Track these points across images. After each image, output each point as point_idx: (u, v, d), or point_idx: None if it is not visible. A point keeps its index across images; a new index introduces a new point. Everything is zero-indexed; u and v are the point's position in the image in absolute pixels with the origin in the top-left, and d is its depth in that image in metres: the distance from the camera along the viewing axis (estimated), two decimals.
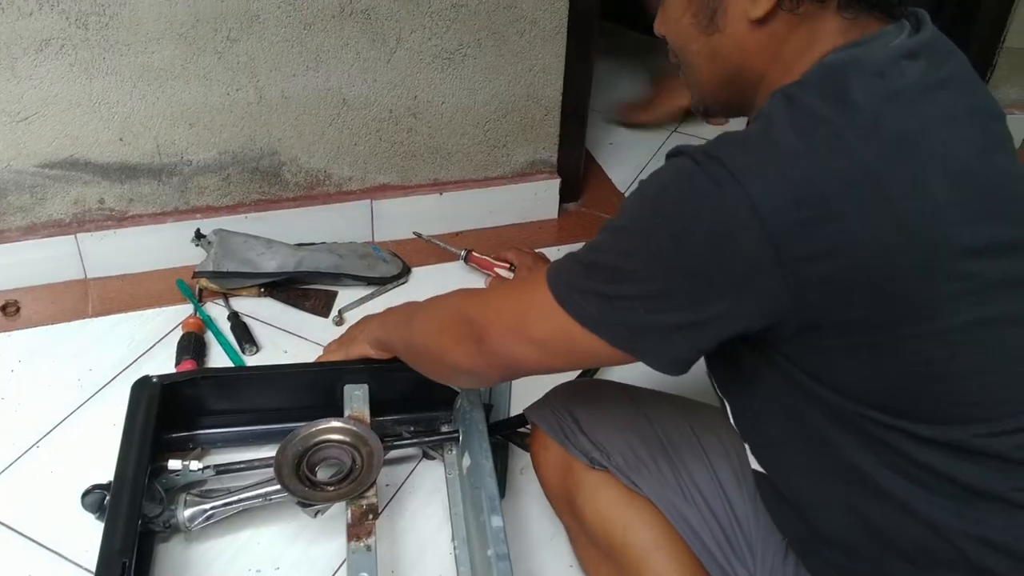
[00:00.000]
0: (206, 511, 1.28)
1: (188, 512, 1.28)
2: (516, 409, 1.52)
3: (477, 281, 1.81)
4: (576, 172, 2.03)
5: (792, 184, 0.74)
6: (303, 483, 1.21)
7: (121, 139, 1.63)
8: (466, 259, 1.83)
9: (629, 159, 2.23)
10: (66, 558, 1.28)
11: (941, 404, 0.79)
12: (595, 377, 1.59)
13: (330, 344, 1.41)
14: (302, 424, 1.26)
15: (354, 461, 1.23)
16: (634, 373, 1.55)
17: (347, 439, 1.26)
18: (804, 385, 0.83)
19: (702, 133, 2.33)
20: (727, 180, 0.75)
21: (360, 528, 1.19)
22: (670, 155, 0.83)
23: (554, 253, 1.90)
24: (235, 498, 1.30)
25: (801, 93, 0.78)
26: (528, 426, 1.48)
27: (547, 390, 1.28)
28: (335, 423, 1.27)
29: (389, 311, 1.31)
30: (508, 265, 1.79)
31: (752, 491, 1.10)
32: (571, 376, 1.52)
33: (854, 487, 0.85)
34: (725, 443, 1.16)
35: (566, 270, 0.88)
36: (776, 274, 0.75)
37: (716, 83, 0.91)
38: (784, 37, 0.83)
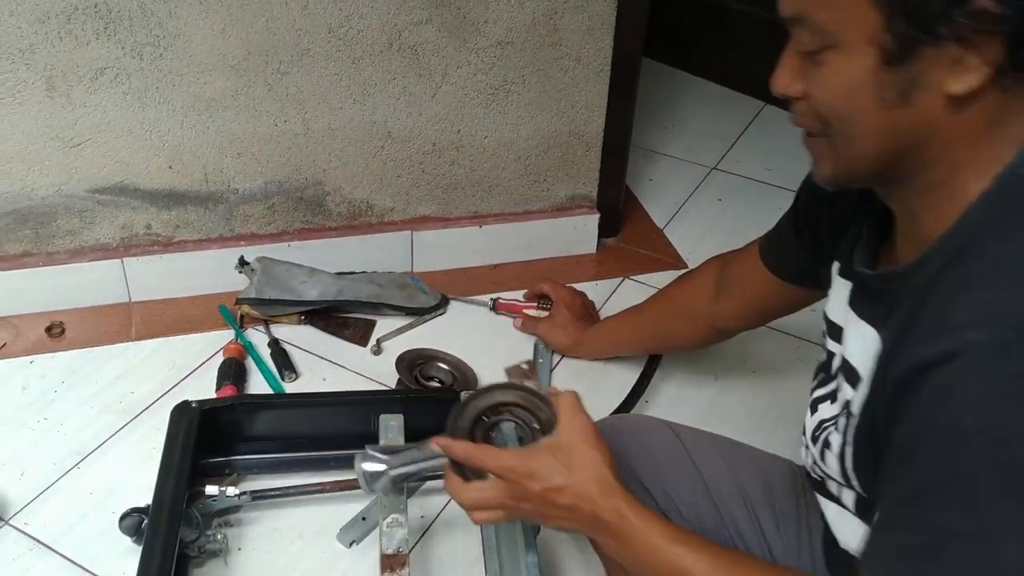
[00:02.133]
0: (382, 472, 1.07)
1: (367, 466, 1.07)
2: None
3: (508, 325, 1.80)
4: (615, 207, 2.03)
5: None
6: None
7: (170, 167, 1.66)
8: (493, 308, 1.83)
9: (668, 195, 2.23)
10: None
11: None
12: (638, 413, 1.59)
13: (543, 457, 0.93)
14: (473, 392, 1.05)
15: (531, 428, 1.01)
16: (683, 403, 1.54)
17: (522, 403, 1.03)
18: None
19: (743, 171, 2.33)
20: None
21: (394, 560, 1.19)
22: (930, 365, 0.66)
23: (592, 288, 1.90)
24: (415, 468, 1.07)
25: None
26: None
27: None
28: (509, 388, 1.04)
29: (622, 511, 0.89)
30: (536, 304, 1.80)
31: (794, 538, 1.09)
32: (613, 406, 1.52)
33: None
34: (765, 484, 1.15)
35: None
36: None
37: (879, 158, 0.77)
38: (987, 115, 0.72)
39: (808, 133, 0.81)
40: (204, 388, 1.59)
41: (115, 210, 1.69)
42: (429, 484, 1.46)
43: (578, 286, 1.90)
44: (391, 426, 1.39)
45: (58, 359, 1.64)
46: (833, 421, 0.89)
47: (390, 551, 1.20)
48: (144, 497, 1.28)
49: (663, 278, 1.94)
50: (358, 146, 1.73)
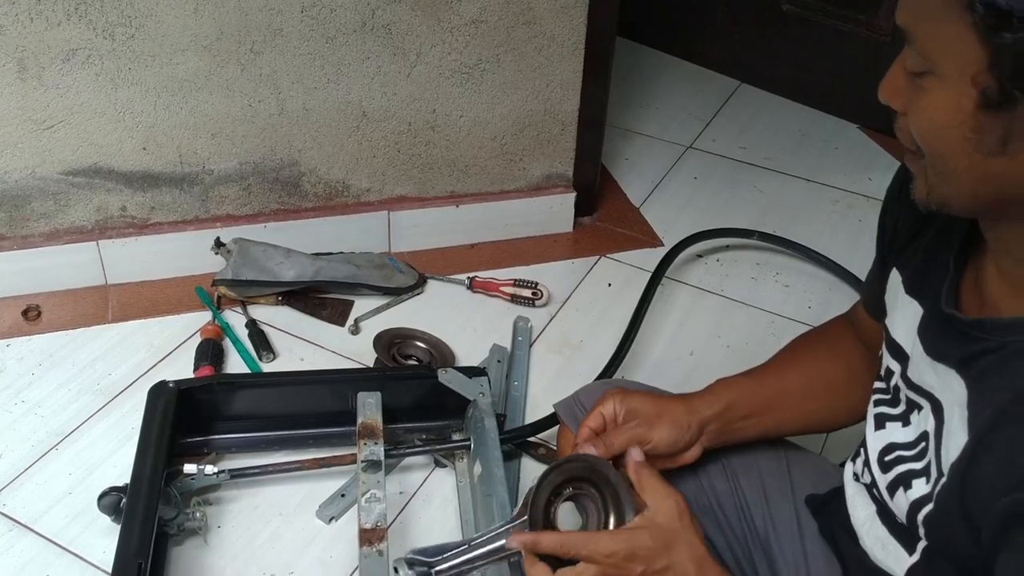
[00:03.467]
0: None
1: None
2: (531, 419, 1.54)
3: (486, 304, 1.81)
4: (591, 187, 2.04)
5: None
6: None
7: (144, 148, 1.66)
8: (470, 286, 1.84)
9: (644, 174, 2.24)
10: (83, 559, 1.30)
11: None
12: (623, 378, 1.59)
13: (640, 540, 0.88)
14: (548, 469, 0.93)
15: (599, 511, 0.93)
16: (660, 378, 1.56)
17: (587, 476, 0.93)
18: None
19: (718, 149, 2.35)
20: None
21: (372, 534, 1.20)
22: None
23: (568, 266, 1.92)
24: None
25: None
26: (543, 437, 1.49)
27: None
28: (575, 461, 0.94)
29: None
30: (513, 282, 1.81)
31: (777, 505, 1.10)
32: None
33: None
34: (750, 460, 1.15)
35: None
36: None
37: (976, 200, 0.73)
38: None
39: (907, 148, 0.75)
40: (182, 369, 1.59)
41: (90, 192, 1.68)
42: (408, 460, 1.47)
43: (555, 265, 1.93)
44: (368, 404, 1.40)
45: (35, 342, 1.64)
46: (913, 456, 0.83)
47: (369, 525, 1.22)
48: (123, 477, 1.29)
49: (640, 256, 1.96)
50: (333, 126, 1.73)
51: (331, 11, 1.59)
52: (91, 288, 1.76)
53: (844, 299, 1.82)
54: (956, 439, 0.75)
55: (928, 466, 0.80)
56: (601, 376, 1.58)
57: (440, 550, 0.95)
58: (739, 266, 1.96)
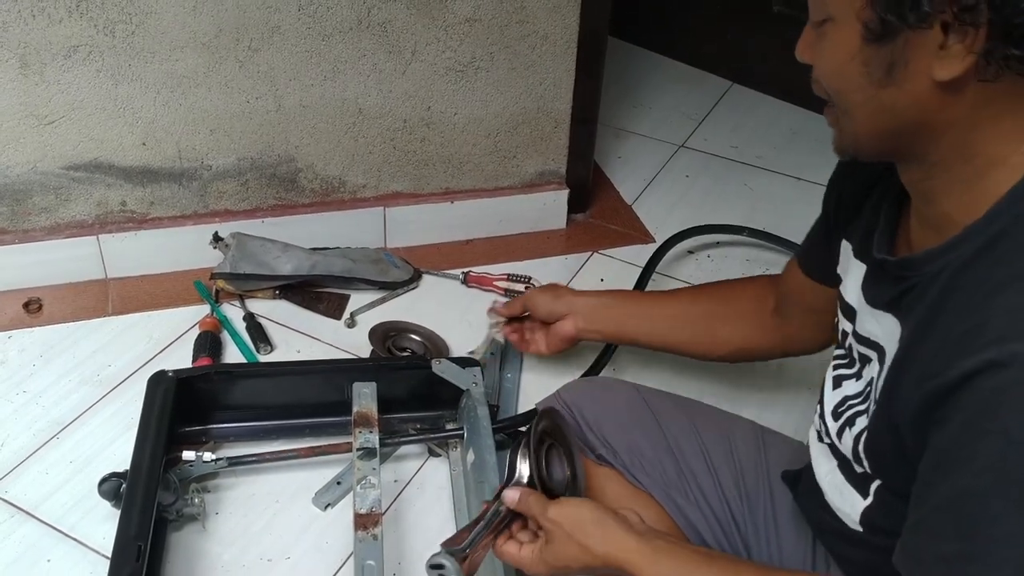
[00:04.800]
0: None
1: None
2: (524, 408, 1.57)
3: (480, 298, 1.84)
4: (584, 184, 2.07)
5: None
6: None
7: (144, 144, 1.68)
8: (465, 281, 1.87)
9: (637, 172, 2.27)
10: (83, 544, 1.32)
11: None
12: (613, 371, 1.63)
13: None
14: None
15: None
16: (649, 373, 1.58)
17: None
18: None
19: (710, 148, 2.38)
20: None
21: (367, 519, 1.23)
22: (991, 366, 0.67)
23: (561, 262, 1.95)
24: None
25: None
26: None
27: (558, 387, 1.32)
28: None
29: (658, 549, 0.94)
30: (507, 276, 1.84)
31: (753, 490, 1.14)
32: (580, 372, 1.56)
33: None
34: (726, 441, 1.19)
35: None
36: None
37: (877, 136, 0.79)
38: (995, 103, 0.72)
39: (825, 102, 0.82)
40: (180, 361, 1.62)
41: (90, 187, 1.71)
42: (402, 450, 1.50)
43: (548, 260, 1.96)
44: (364, 394, 1.43)
45: (36, 334, 1.67)
46: (860, 400, 0.90)
47: (363, 510, 1.24)
48: (123, 465, 1.31)
49: (632, 252, 1.99)
50: (330, 123, 1.76)
51: (327, 9, 1.62)
52: (91, 281, 1.78)
53: None
54: (883, 373, 0.83)
55: (869, 405, 0.87)
56: (588, 373, 1.61)
57: (456, 539, 1.05)
58: (729, 262, 1.99)
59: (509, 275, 1.84)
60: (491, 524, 1.05)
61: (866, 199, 0.95)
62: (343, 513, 1.39)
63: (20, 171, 1.65)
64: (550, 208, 2.03)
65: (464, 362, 1.48)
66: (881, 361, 0.86)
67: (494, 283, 1.84)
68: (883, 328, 0.86)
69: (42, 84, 1.57)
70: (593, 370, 1.61)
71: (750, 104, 2.58)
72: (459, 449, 1.47)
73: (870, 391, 0.87)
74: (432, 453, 1.50)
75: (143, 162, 1.71)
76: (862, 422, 0.87)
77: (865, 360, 0.91)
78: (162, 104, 1.65)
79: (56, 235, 1.73)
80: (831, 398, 0.96)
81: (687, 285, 1.87)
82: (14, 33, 1.51)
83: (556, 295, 1.49)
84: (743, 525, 1.14)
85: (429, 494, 1.44)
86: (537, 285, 1.82)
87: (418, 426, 1.49)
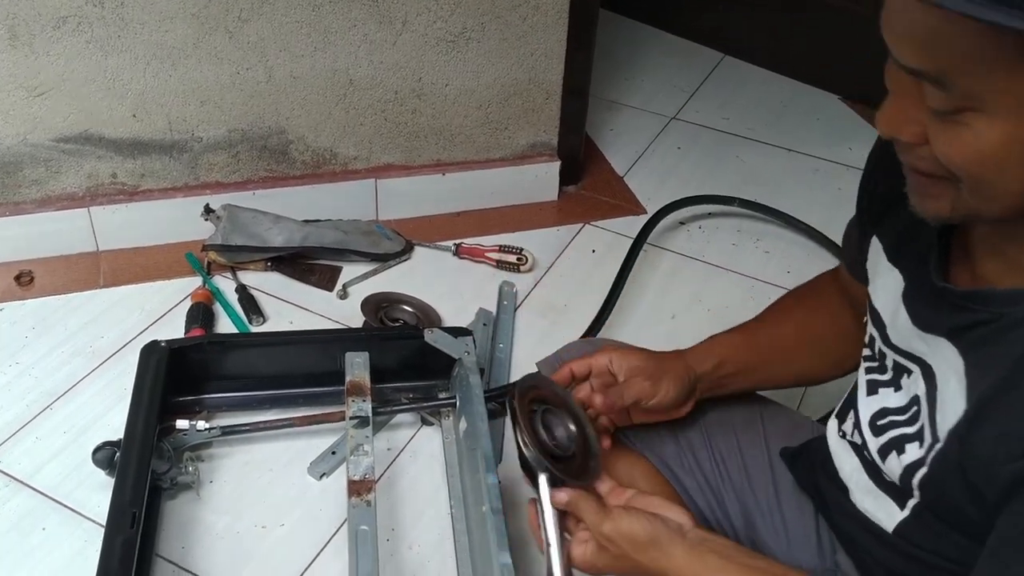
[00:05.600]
0: None
1: None
2: (516, 376, 1.58)
3: (472, 270, 1.85)
4: (576, 156, 2.07)
5: None
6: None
7: (134, 115, 1.68)
8: (456, 253, 1.87)
9: (628, 145, 2.27)
10: (78, 512, 1.33)
11: None
12: (604, 337, 1.63)
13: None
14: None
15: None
16: (641, 341, 1.59)
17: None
18: None
19: (702, 120, 2.38)
20: None
21: (360, 485, 1.24)
22: None
23: (552, 234, 1.95)
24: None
25: None
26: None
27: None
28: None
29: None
30: (499, 248, 1.84)
31: (753, 461, 1.13)
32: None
33: None
34: (725, 415, 1.19)
35: None
36: None
37: (1013, 211, 0.70)
38: None
39: (925, 172, 0.71)
40: (173, 333, 1.62)
41: (80, 159, 1.70)
42: (396, 419, 1.51)
43: (539, 232, 1.96)
44: (356, 363, 1.44)
45: (28, 306, 1.67)
46: (905, 420, 0.85)
47: (357, 477, 1.25)
48: (116, 435, 1.31)
49: (624, 224, 1.99)
50: (320, 94, 1.76)
51: None
52: (83, 254, 1.78)
53: (823, 264, 1.85)
54: (954, 406, 0.77)
55: (921, 431, 0.82)
56: (587, 334, 1.62)
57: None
58: (720, 233, 1.99)
59: (501, 247, 1.85)
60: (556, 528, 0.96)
61: (900, 199, 0.87)
62: (337, 482, 1.40)
63: (10, 143, 1.64)
64: (542, 180, 2.03)
65: (456, 331, 1.48)
66: (929, 381, 0.82)
67: (486, 255, 1.85)
68: (933, 350, 0.81)
69: (32, 55, 1.56)
70: (591, 332, 1.62)
71: (741, 76, 2.58)
72: (452, 418, 1.48)
73: (918, 412, 0.83)
74: (425, 422, 1.51)
75: (133, 134, 1.70)
76: (914, 452, 0.82)
77: (902, 370, 0.87)
78: (152, 75, 1.64)
79: (47, 207, 1.73)
80: (867, 405, 0.91)
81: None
82: (3, 4, 1.50)
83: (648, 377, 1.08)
84: (745, 499, 1.12)
85: (422, 462, 1.45)
86: (529, 257, 1.83)
87: (411, 395, 1.50)
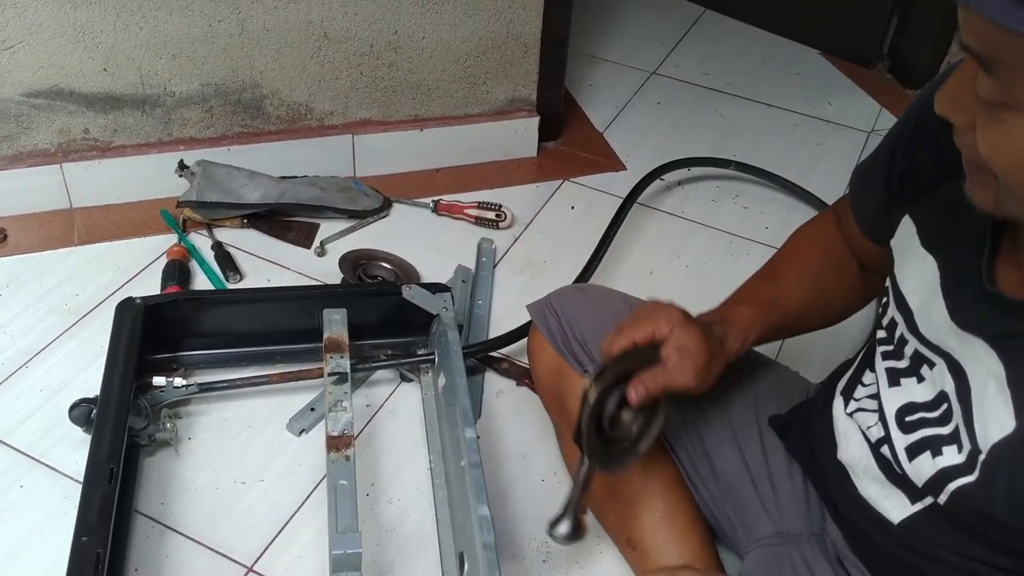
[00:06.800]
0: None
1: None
2: (495, 333, 1.58)
3: (450, 227, 1.84)
4: (555, 111, 2.06)
5: None
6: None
7: (105, 69, 1.65)
8: (435, 209, 1.85)
9: (608, 100, 2.26)
10: (56, 469, 1.33)
11: None
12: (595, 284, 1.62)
13: None
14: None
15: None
16: (637, 287, 1.58)
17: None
18: None
19: (682, 75, 2.36)
20: None
21: (339, 440, 1.24)
22: None
23: (531, 189, 1.94)
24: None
25: None
26: (506, 352, 1.53)
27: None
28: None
29: None
30: (477, 204, 1.83)
31: (740, 416, 1.15)
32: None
33: None
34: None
35: None
36: None
37: None
38: None
39: (971, 159, 0.71)
40: (149, 290, 1.60)
41: (51, 115, 1.67)
42: (375, 376, 1.51)
43: (518, 188, 1.95)
44: (334, 320, 1.43)
45: (2, 265, 1.65)
46: (936, 418, 0.83)
47: (336, 433, 1.25)
48: (93, 392, 1.31)
49: (603, 180, 1.98)
50: (294, 47, 1.73)
51: None
52: (56, 211, 1.76)
53: (802, 219, 1.85)
54: (997, 418, 0.75)
55: (957, 433, 0.80)
56: (579, 279, 1.62)
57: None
58: (699, 189, 1.99)
59: (480, 203, 1.84)
60: (585, 484, 1.03)
61: (941, 180, 0.86)
62: (316, 438, 1.40)
63: None
64: (520, 136, 2.01)
65: (434, 287, 1.48)
66: (958, 378, 0.80)
67: (465, 211, 1.84)
68: (965, 348, 0.80)
69: None
70: (583, 277, 1.62)
71: (722, 31, 2.56)
72: (430, 374, 1.48)
73: (949, 411, 0.82)
74: (404, 378, 1.51)
75: (105, 88, 1.67)
76: (952, 456, 0.81)
77: (922, 360, 0.86)
78: (122, 28, 1.61)
79: (18, 164, 1.70)
80: (892, 397, 0.89)
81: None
82: None
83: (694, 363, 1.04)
84: (730, 457, 1.13)
85: (401, 418, 1.45)
86: (508, 214, 1.82)
87: (390, 352, 1.50)
